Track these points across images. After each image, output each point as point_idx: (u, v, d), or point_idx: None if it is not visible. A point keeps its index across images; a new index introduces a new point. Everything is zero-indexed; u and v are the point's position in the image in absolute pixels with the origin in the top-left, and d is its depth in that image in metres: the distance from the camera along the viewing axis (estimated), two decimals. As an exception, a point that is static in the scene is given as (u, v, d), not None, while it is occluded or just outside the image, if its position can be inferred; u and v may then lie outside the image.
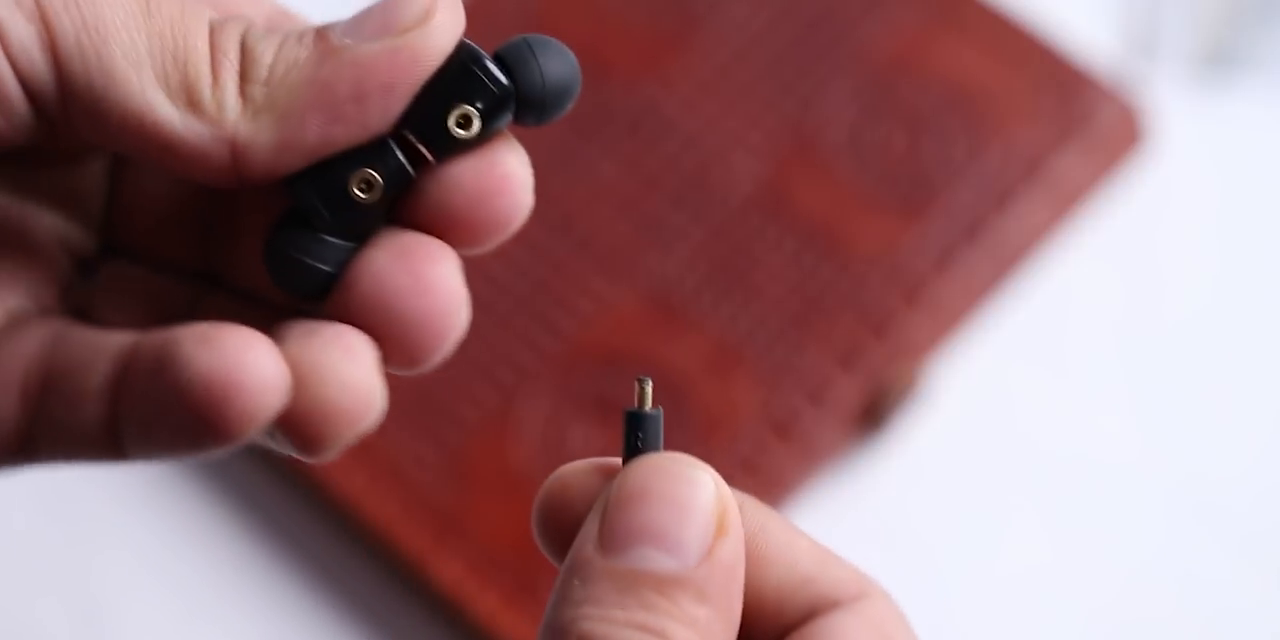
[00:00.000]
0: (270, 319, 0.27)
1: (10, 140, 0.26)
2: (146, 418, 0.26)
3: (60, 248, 0.30)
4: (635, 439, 0.28)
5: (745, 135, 0.59)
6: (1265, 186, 0.62)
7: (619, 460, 0.28)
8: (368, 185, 0.27)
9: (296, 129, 0.26)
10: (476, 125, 0.27)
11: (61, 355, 0.27)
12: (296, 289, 0.28)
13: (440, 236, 0.27)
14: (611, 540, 0.25)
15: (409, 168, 0.27)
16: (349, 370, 0.26)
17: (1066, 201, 0.58)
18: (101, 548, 0.56)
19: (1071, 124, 0.58)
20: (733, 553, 0.25)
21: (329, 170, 0.27)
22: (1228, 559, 0.55)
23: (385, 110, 0.26)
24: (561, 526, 0.28)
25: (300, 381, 0.26)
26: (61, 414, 0.27)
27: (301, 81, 0.26)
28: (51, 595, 0.55)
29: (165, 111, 0.26)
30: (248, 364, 0.25)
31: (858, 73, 0.59)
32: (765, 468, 0.54)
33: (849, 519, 0.56)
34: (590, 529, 0.26)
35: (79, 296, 0.30)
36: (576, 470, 0.28)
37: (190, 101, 0.26)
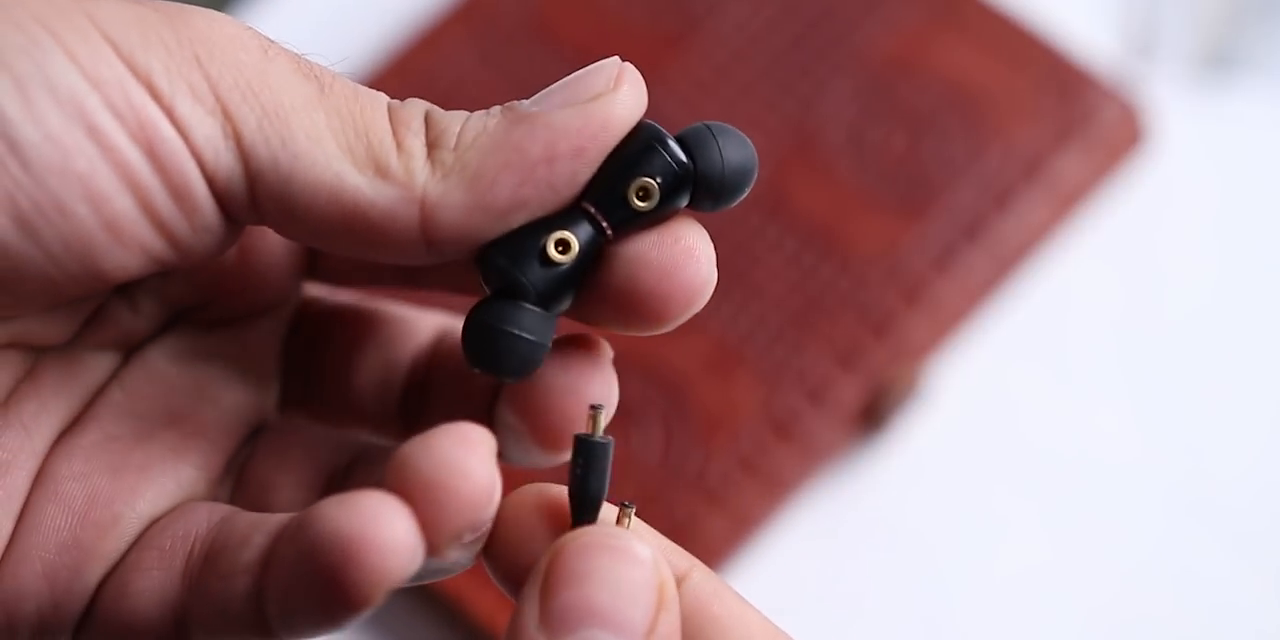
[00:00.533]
0: None
1: (200, 251, 0.27)
2: (284, 583, 0.26)
3: (233, 418, 0.31)
4: (578, 466, 0.27)
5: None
6: (1265, 186, 0.62)
7: (564, 490, 0.28)
8: (564, 246, 0.27)
9: (488, 189, 0.26)
10: (656, 198, 0.27)
11: (224, 535, 0.28)
12: (507, 366, 0.27)
13: (629, 314, 0.28)
14: (554, 622, 0.25)
15: (602, 229, 0.27)
16: (463, 458, 0.26)
17: (1066, 201, 0.58)
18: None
19: (1071, 124, 0.58)
20: (672, 626, 0.26)
21: (520, 237, 0.27)
22: (1226, 558, 0.55)
23: (574, 174, 0.27)
24: (508, 566, 0.27)
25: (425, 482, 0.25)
26: (214, 590, 0.27)
27: (493, 145, 0.26)
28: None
29: (353, 180, 0.26)
30: (380, 524, 0.25)
31: (858, 73, 0.59)
32: (765, 468, 0.54)
33: (849, 519, 0.56)
34: (530, 608, 0.25)
35: (243, 458, 0.31)
36: (519, 506, 0.28)
37: (378, 169, 0.26)
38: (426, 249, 0.27)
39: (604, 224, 0.27)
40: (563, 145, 0.26)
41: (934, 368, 0.57)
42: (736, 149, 0.28)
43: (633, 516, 0.28)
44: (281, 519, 0.27)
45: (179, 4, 0.26)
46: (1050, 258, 0.59)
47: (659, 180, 0.27)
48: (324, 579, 0.25)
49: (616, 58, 0.28)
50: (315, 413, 0.33)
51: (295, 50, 0.27)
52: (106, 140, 0.24)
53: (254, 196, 0.26)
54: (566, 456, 0.29)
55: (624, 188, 0.27)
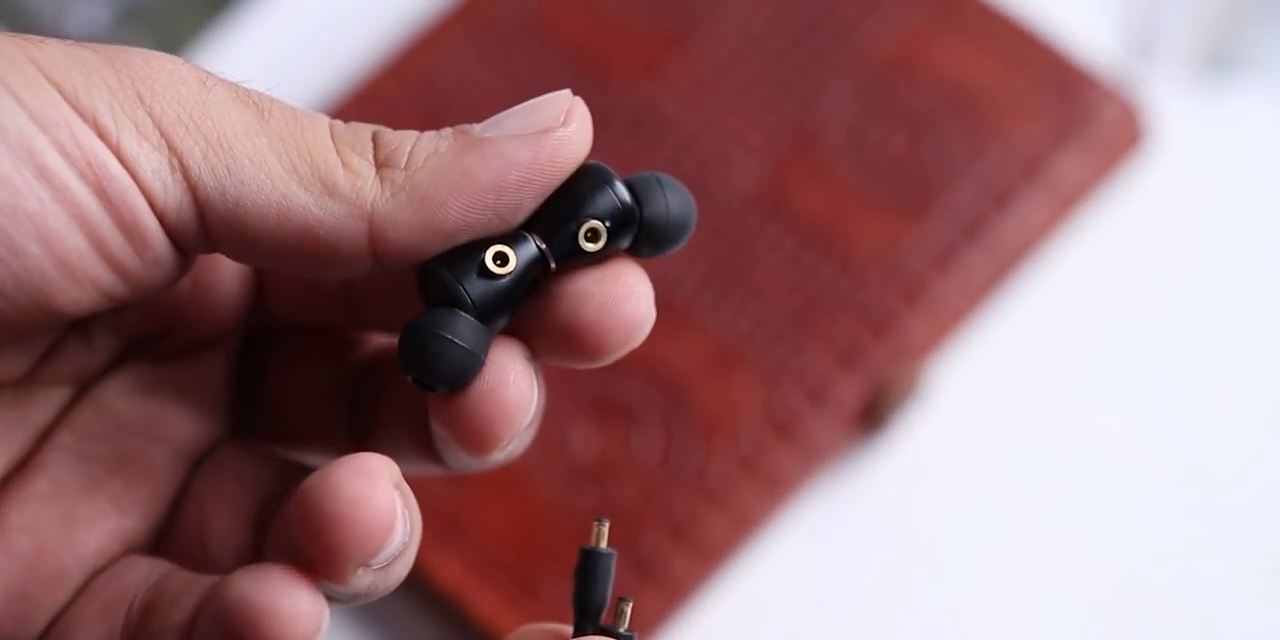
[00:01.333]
0: None
1: (151, 284, 0.27)
2: None
3: (178, 458, 0.31)
4: (581, 576, 0.28)
5: (745, 135, 0.59)
6: (1265, 187, 0.62)
7: (569, 630, 0.29)
8: (502, 259, 0.28)
9: (437, 211, 0.27)
10: (603, 240, 0.28)
11: (159, 591, 0.29)
12: (441, 375, 0.28)
13: (569, 346, 0.28)
14: None
15: (545, 261, 0.28)
16: (362, 489, 0.26)
17: (1066, 201, 0.58)
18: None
19: (1071, 124, 0.58)
20: None
21: (461, 251, 0.28)
22: (1226, 558, 0.55)
23: (519, 204, 0.27)
24: None
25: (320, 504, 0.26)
26: None
27: (443, 168, 0.27)
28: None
29: (301, 199, 0.26)
30: (285, 594, 0.26)
31: (858, 73, 0.59)
32: (765, 468, 0.54)
33: (849, 519, 0.56)
34: None
35: (181, 495, 0.32)
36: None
37: (325, 187, 0.26)
38: (373, 263, 0.27)
39: (549, 258, 0.28)
40: (512, 175, 0.27)
41: (934, 368, 0.57)
42: (681, 200, 0.29)
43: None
44: (211, 581, 0.28)
45: (118, 46, 0.27)
46: (1050, 258, 0.59)
47: (607, 223, 0.28)
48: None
49: (568, 91, 0.28)
50: (264, 437, 0.33)
51: (232, 79, 0.27)
52: (56, 180, 0.25)
53: (205, 225, 0.27)
54: (498, 458, 0.30)
55: (574, 226, 0.28)
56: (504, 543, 0.53)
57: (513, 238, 0.28)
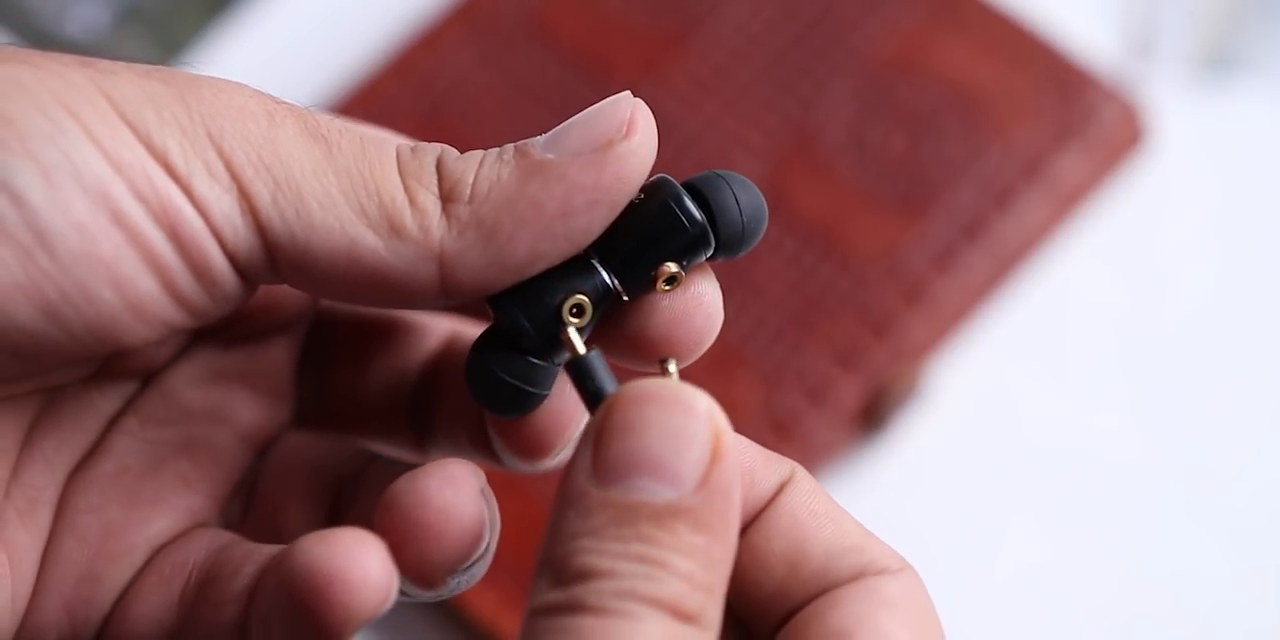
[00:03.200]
0: None
1: (217, 312, 0.27)
2: (264, 614, 0.27)
3: (244, 442, 0.31)
4: (583, 385, 0.27)
5: (745, 135, 0.59)
6: (1265, 186, 0.62)
7: None
8: (579, 310, 0.27)
9: (506, 245, 0.26)
10: (680, 280, 0.28)
11: (218, 563, 0.29)
12: (506, 411, 0.28)
13: (635, 358, 0.28)
14: (606, 471, 0.25)
15: (617, 290, 0.28)
16: (448, 496, 0.27)
17: (1066, 201, 0.58)
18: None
19: (1071, 124, 0.58)
20: (728, 478, 0.25)
21: (536, 291, 0.27)
22: (1225, 557, 0.55)
23: (590, 226, 0.27)
24: None
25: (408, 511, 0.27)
26: (205, 617, 0.28)
27: (508, 198, 0.26)
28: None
29: (369, 242, 0.26)
30: (354, 559, 0.26)
31: (858, 73, 0.59)
32: (765, 467, 0.54)
33: (849, 519, 0.56)
34: (583, 459, 0.25)
35: (251, 478, 0.32)
36: None
37: (393, 228, 0.26)
38: (445, 299, 0.27)
39: (623, 294, 0.28)
40: (578, 199, 0.26)
41: (934, 368, 0.57)
42: (751, 202, 0.29)
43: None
44: (273, 550, 0.28)
45: (186, 73, 0.26)
46: (1050, 258, 0.59)
47: (686, 262, 0.28)
48: (299, 612, 0.26)
49: (627, 94, 0.27)
50: (327, 424, 0.33)
51: (300, 105, 0.27)
52: (131, 224, 0.25)
53: (274, 264, 0.26)
54: (549, 464, 0.30)
55: (649, 268, 0.27)
56: (504, 543, 0.53)
57: (586, 276, 0.27)
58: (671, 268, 0.27)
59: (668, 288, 0.28)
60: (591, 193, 0.26)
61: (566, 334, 0.27)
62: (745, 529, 0.27)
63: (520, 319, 0.27)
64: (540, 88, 0.61)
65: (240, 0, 0.67)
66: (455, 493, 0.27)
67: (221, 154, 0.25)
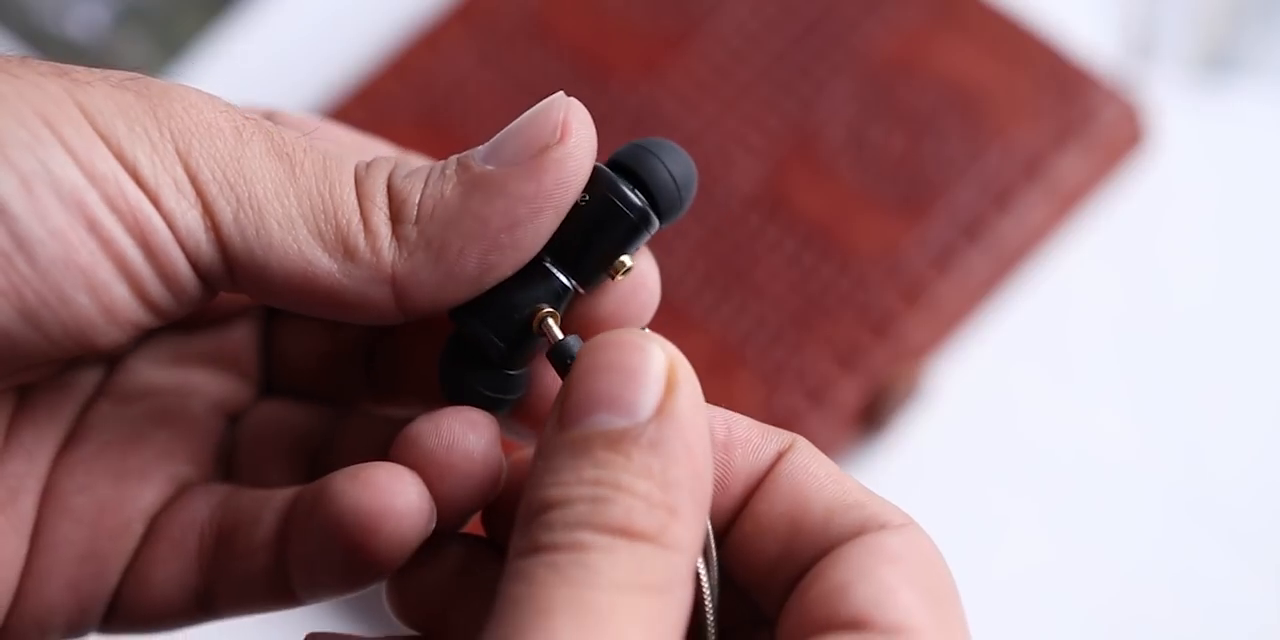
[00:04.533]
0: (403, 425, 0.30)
1: (181, 314, 0.28)
2: (309, 556, 0.28)
3: (217, 412, 0.32)
4: (567, 370, 0.28)
5: (745, 135, 0.59)
6: (1265, 186, 0.62)
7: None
8: (547, 319, 0.28)
9: (456, 262, 0.27)
10: (629, 267, 0.29)
11: (230, 516, 0.30)
12: (476, 408, 0.29)
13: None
14: (566, 414, 0.26)
15: (576, 291, 0.28)
16: (472, 440, 0.28)
17: (1066, 201, 0.58)
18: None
19: (1071, 124, 0.58)
20: (686, 406, 0.26)
21: (501, 307, 0.28)
22: (1226, 557, 0.55)
23: (538, 234, 0.27)
24: None
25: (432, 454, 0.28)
26: (236, 569, 0.29)
27: (452, 215, 0.27)
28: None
29: (324, 265, 0.27)
30: (395, 494, 0.27)
31: (858, 73, 0.59)
32: (765, 467, 0.54)
33: (849, 519, 0.56)
34: (552, 416, 0.26)
35: (228, 445, 0.32)
36: None
37: (347, 251, 0.27)
38: (402, 316, 0.28)
39: (580, 290, 0.29)
40: (521, 210, 0.27)
41: (934, 368, 0.57)
42: (681, 167, 0.29)
43: (551, 324, 0.29)
44: (287, 495, 0.29)
45: (160, 85, 0.27)
46: (1050, 258, 0.59)
47: (632, 250, 0.28)
48: (348, 550, 0.27)
49: (560, 96, 0.28)
50: (297, 393, 0.33)
51: (267, 122, 0.28)
52: (105, 233, 0.26)
53: (233, 277, 0.27)
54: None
55: (605, 265, 0.28)
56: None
57: (546, 284, 0.28)
58: (626, 262, 0.28)
59: (621, 276, 0.28)
60: (533, 202, 0.27)
61: (545, 333, 0.28)
62: (747, 499, 0.28)
63: (489, 337, 0.28)
64: (540, 88, 0.61)
65: (240, 0, 0.67)
66: (478, 437, 0.28)
67: (188, 170, 0.26)
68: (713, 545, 0.27)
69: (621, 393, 0.25)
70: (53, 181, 0.25)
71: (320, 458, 0.32)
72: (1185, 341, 0.58)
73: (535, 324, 0.28)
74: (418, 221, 0.27)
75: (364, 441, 0.31)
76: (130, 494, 0.30)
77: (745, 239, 0.57)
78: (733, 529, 0.28)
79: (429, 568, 0.29)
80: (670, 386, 0.26)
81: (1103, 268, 0.60)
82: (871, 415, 0.55)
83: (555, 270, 0.28)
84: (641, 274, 0.29)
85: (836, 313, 0.56)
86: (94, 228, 0.25)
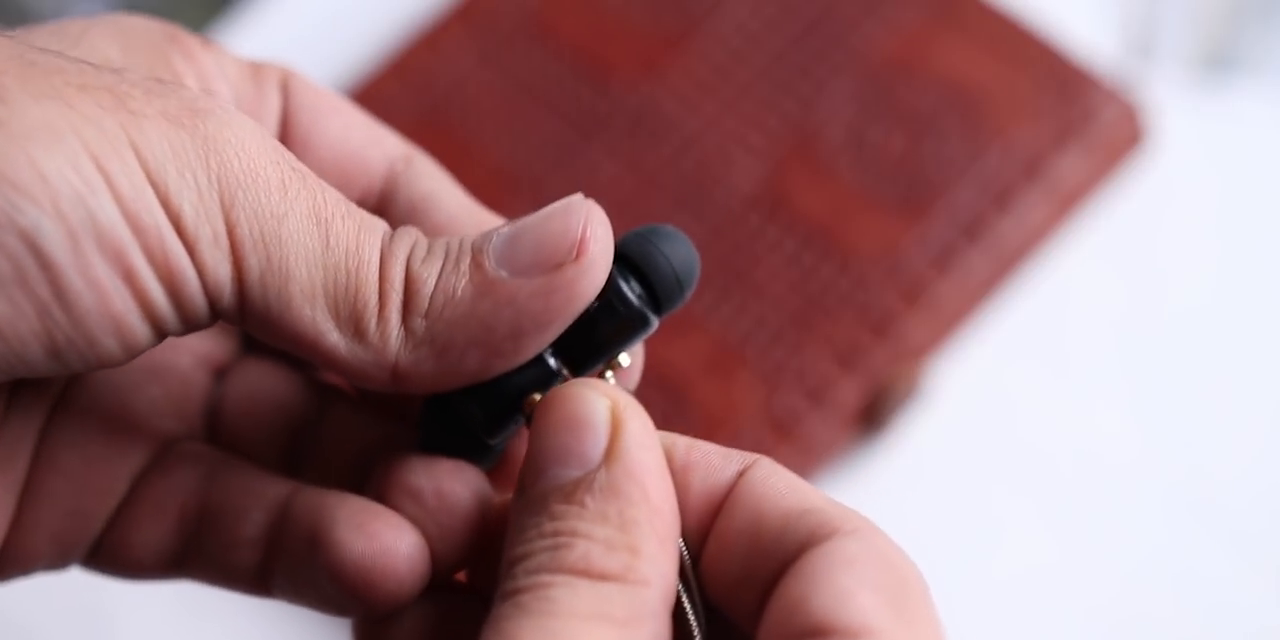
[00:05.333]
0: (385, 426, 0.31)
1: (181, 335, 0.28)
2: (298, 582, 0.29)
3: (204, 368, 0.33)
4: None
5: (745, 135, 0.59)
6: (1265, 186, 0.62)
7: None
8: (533, 405, 0.29)
9: (456, 362, 0.28)
10: (627, 363, 0.29)
11: (217, 497, 0.31)
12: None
13: None
14: (526, 476, 0.27)
15: (561, 371, 0.29)
16: (469, 500, 0.29)
17: (1066, 201, 0.58)
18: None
19: (1071, 124, 0.58)
20: (633, 445, 0.26)
21: (495, 393, 0.29)
22: (1226, 557, 0.55)
23: (539, 345, 0.28)
24: None
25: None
26: (216, 554, 0.30)
27: (460, 317, 0.27)
28: (51, 593, 0.55)
29: (333, 339, 0.27)
30: (399, 552, 0.28)
31: (858, 73, 0.59)
32: (765, 468, 0.54)
33: (849, 519, 0.56)
34: (519, 479, 0.27)
35: (214, 402, 0.33)
36: None
37: (356, 332, 0.27)
38: (394, 390, 0.28)
39: (569, 377, 0.29)
40: (527, 324, 0.27)
41: (934, 368, 0.57)
42: (684, 261, 0.29)
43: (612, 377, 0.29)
44: (276, 497, 0.30)
45: (217, 120, 0.27)
46: (1050, 258, 0.59)
47: (631, 345, 0.29)
48: (345, 595, 0.28)
49: (579, 201, 0.28)
50: (277, 353, 0.34)
51: (312, 178, 0.28)
52: (139, 284, 0.26)
53: (243, 320, 0.28)
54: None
55: (601, 362, 0.29)
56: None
57: (542, 376, 0.28)
58: (623, 361, 0.29)
59: (610, 373, 0.29)
60: (541, 316, 0.27)
61: (529, 412, 0.29)
62: (712, 520, 0.28)
63: (478, 415, 0.29)
64: (540, 88, 0.61)
65: (240, 0, 0.67)
66: (475, 498, 0.29)
67: (228, 222, 0.27)
68: (689, 571, 0.27)
69: (570, 445, 0.26)
70: (98, 234, 0.25)
71: (302, 438, 0.32)
72: (1185, 341, 0.58)
73: (524, 408, 0.29)
74: (427, 316, 0.27)
75: (345, 435, 0.32)
76: (119, 451, 0.31)
77: (745, 239, 0.57)
78: (702, 551, 0.28)
79: (406, 616, 0.30)
80: (614, 430, 0.26)
81: (1103, 268, 0.60)
82: (871, 415, 0.55)
83: (550, 360, 0.28)
84: (631, 369, 0.30)
85: (836, 313, 0.56)
86: (130, 278, 0.26)
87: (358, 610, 0.29)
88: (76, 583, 0.55)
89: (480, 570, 0.30)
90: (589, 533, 0.25)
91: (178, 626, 0.56)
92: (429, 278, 0.28)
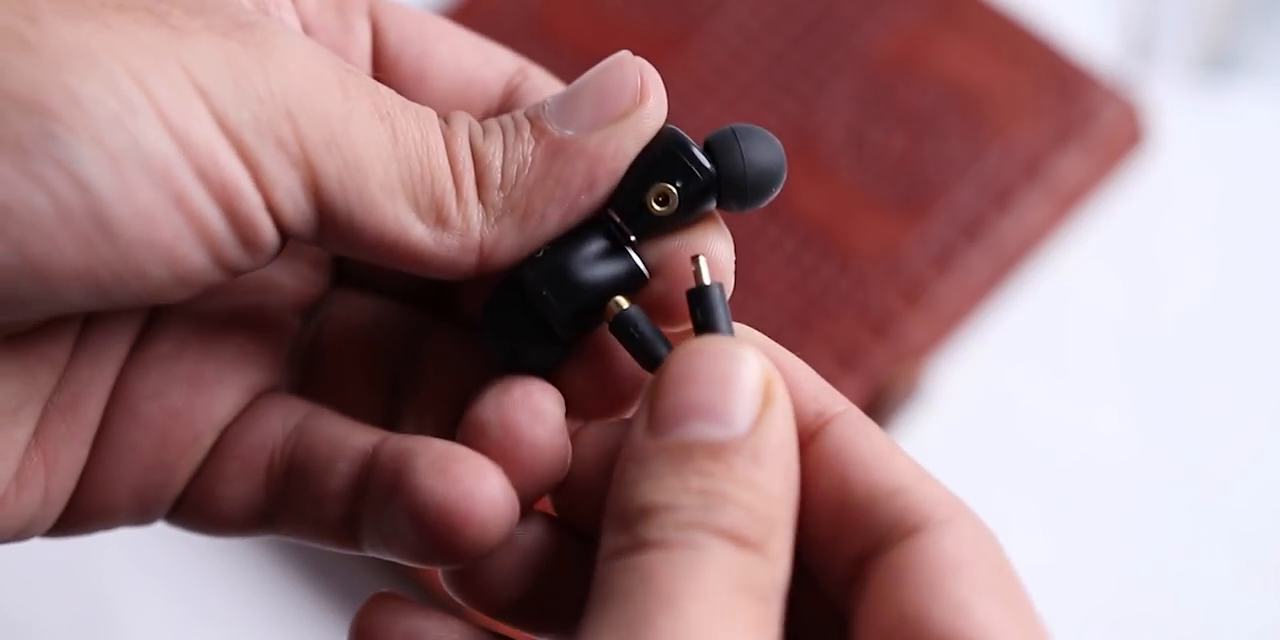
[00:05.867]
0: (486, 355, 0.30)
1: (254, 269, 0.27)
2: (384, 531, 0.28)
3: (293, 309, 0.32)
4: (696, 315, 0.28)
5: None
6: (1265, 186, 0.62)
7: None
8: (621, 305, 0.28)
9: (538, 225, 0.27)
10: (674, 203, 0.28)
11: (304, 448, 0.29)
12: (519, 370, 0.29)
13: (653, 311, 0.29)
14: (660, 421, 0.25)
15: (644, 272, 0.28)
16: (539, 432, 0.28)
17: (1066, 201, 0.58)
18: (106, 544, 0.56)
19: (1071, 124, 0.58)
20: (782, 422, 0.26)
21: (580, 287, 0.28)
22: (1225, 557, 0.55)
23: (609, 189, 0.28)
24: None
25: (496, 442, 0.28)
26: (304, 508, 0.29)
27: (536, 180, 0.27)
28: (54, 595, 0.55)
29: (418, 231, 0.27)
30: (480, 495, 0.27)
31: (858, 73, 0.59)
32: (765, 467, 0.54)
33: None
34: (640, 418, 0.26)
35: (306, 343, 0.32)
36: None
37: (439, 218, 0.27)
38: (476, 275, 0.28)
39: (629, 234, 0.28)
40: (601, 172, 0.27)
41: (934, 368, 0.57)
42: (762, 151, 0.29)
43: (702, 266, 0.28)
44: (363, 448, 0.29)
45: (264, 30, 0.26)
46: (1050, 258, 0.59)
47: (678, 185, 0.28)
48: (428, 542, 0.27)
49: (630, 55, 0.28)
50: (369, 286, 0.33)
51: (366, 79, 0.27)
52: (191, 206, 0.25)
53: (320, 234, 0.27)
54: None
55: (643, 193, 0.28)
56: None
57: (625, 270, 0.28)
58: (665, 186, 0.28)
59: (661, 209, 0.28)
60: (614, 162, 0.28)
61: (697, 278, 0.28)
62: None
63: (559, 310, 0.28)
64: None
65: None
66: (545, 429, 0.28)
67: (296, 129, 0.26)
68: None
69: (720, 403, 0.25)
70: (143, 157, 0.24)
71: (402, 375, 0.31)
72: (1185, 341, 0.58)
73: (609, 303, 0.28)
74: (502, 187, 0.27)
75: (445, 367, 0.31)
76: (203, 402, 0.30)
77: (745, 239, 0.57)
78: None
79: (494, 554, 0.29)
80: (768, 399, 0.26)
81: (1103, 268, 0.60)
82: (871, 415, 0.55)
83: (631, 251, 0.28)
84: (706, 248, 0.29)
85: (836, 313, 0.56)
86: (181, 202, 0.25)
87: (445, 558, 0.27)
88: (77, 583, 0.56)
89: (564, 498, 0.29)
90: (737, 496, 0.25)
91: (178, 626, 0.56)
92: (495, 152, 0.27)
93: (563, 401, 0.29)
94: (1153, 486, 0.56)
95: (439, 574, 0.29)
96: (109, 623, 0.56)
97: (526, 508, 0.28)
